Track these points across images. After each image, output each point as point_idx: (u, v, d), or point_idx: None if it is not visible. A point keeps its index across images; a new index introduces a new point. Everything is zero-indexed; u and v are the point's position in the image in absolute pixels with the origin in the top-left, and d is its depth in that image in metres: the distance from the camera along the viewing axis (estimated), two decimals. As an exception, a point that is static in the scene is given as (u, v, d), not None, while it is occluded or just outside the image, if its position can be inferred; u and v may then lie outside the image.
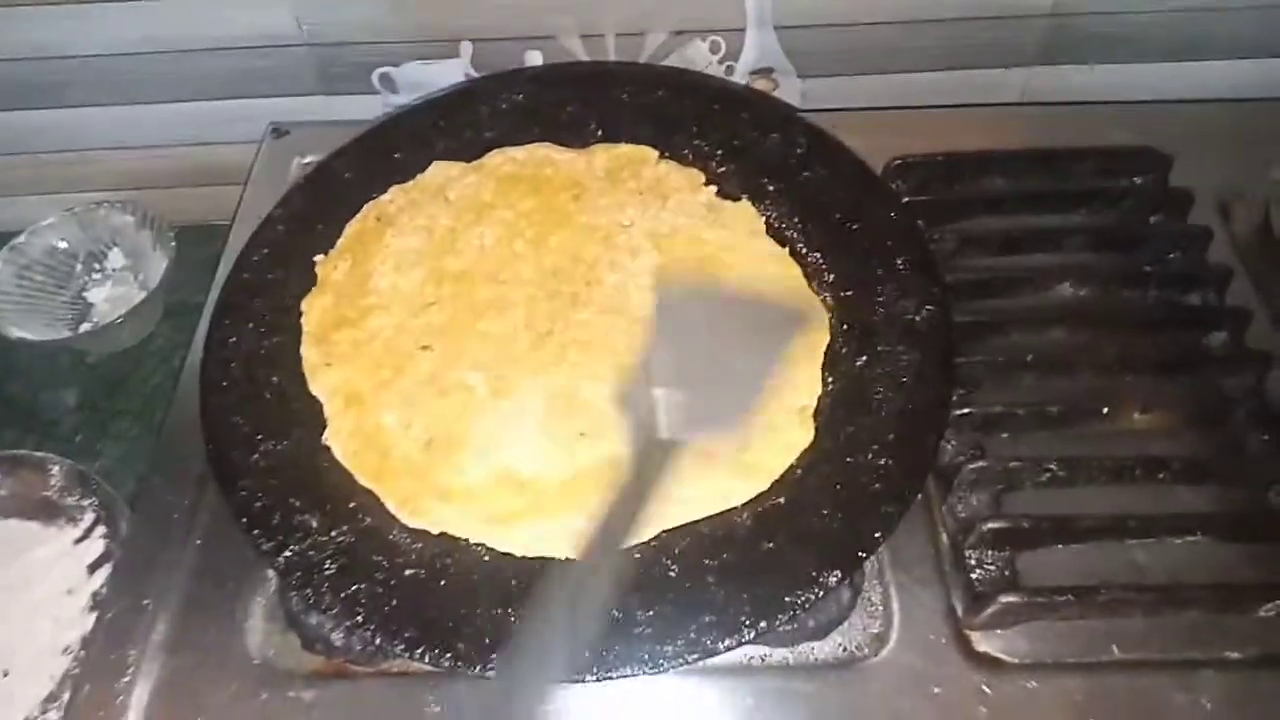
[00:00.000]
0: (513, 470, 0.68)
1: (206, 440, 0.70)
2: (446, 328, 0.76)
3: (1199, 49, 0.99)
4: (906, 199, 0.86)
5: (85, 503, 0.83)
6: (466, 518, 0.66)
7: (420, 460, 0.69)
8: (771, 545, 0.63)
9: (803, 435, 0.69)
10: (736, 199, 0.82)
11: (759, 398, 0.61)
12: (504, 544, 0.65)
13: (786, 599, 0.60)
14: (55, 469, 0.83)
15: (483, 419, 0.71)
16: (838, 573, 0.61)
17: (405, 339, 0.75)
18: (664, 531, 0.65)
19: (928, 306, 0.73)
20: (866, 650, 0.66)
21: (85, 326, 0.99)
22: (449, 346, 0.75)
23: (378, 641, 0.60)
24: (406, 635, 0.60)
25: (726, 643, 0.59)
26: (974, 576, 0.68)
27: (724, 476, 0.67)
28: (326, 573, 0.63)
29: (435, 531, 0.66)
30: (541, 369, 0.73)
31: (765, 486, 0.66)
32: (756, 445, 0.68)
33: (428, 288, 0.78)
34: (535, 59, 0.98)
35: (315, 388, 0.73)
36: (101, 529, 0.82)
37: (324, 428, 0.71)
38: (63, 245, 1.01)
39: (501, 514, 0.66)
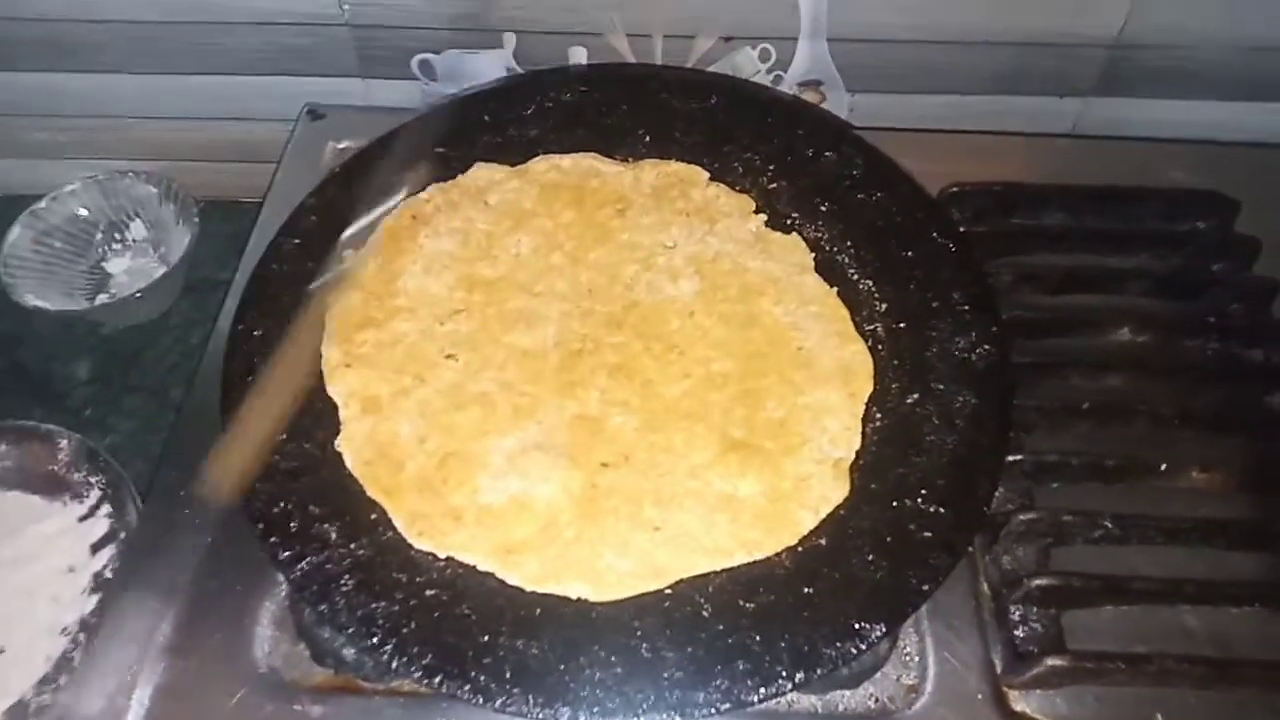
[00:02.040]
0: (528, 497, 0.65)
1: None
2: (473, 337, 0.73)
3: (1266, 90, 0.96)
4: (962, 228, 0.82)
5: (92, 479, 0.81)
6: (476, 542, 0.63)
7: (433, 477, 0.66)
8: (811, 590, 0.60)
9: (837, 489, 0.65)
10: (787, 223, 0.79)
11: None
12: (512, 575, 0.62)
13: (825, 650, 0.57)
14: (63, 443, 0.81)
15: (502, 439, 0.67)
16: (882, 626, 0.58)
17: (430, 346, 0.72)
18: (680, 581, 0.62)
19: (985, 345, 0.70)
20: (899, 703, 0.63)
21: (102, 298, 0.97)
22: (474, 357, 0.72)
23: (393, 665, 0.57)
24: (423, 661, 0.57)
25: (762, 693, 0.56)
26: (1017, 634, 0.65)
27: (749, 528, 0.64)
28: (344, 588, 0.60)
29: (442, 555, 0.63)
30: (568, 390, 0.70)
31: (793, 542, 0.63)
32: (786, 496, 0.65)
33: (457, 293, 0.75)
34: (580, 55, 0.95)
35: (333, 389, 0.70)
36: (107, 508, 0.80)
37: (343, 431, 0.68)
38: (84, 213, 0.99)
39: (512, 543, 0.63)
